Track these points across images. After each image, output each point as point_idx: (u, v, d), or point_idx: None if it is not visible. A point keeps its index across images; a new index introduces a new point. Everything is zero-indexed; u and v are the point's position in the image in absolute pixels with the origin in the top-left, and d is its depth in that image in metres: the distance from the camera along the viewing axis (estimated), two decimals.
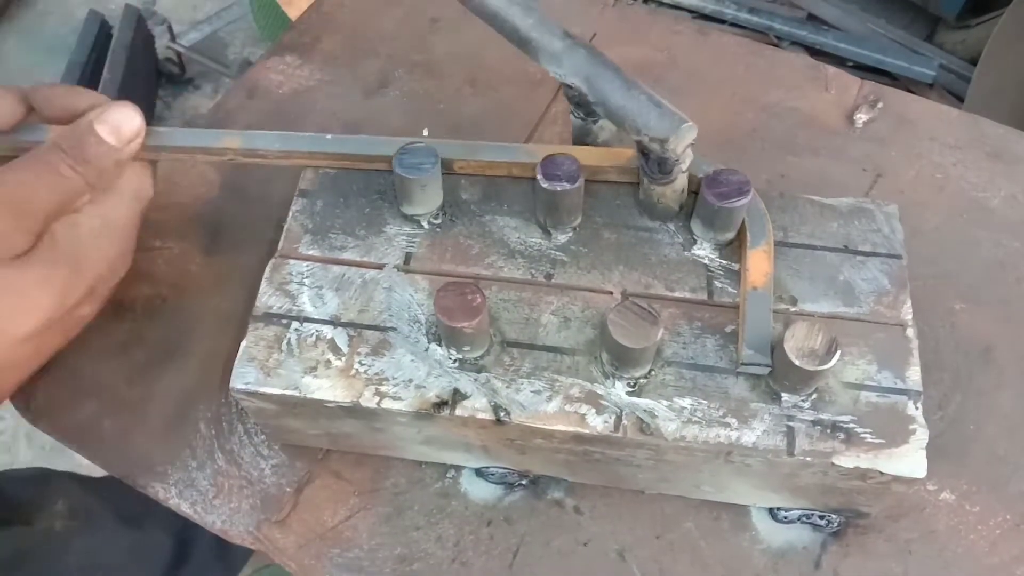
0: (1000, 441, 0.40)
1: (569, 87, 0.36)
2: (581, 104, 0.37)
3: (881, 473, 0.32)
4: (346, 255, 0.38)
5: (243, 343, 0.35)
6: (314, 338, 0.35)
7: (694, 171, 0.37)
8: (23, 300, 0.34)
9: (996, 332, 0.43)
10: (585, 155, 0.38)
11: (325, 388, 0.34)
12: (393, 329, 0.35)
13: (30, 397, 0.42)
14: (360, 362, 0.35)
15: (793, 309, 0.36)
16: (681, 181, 0.37)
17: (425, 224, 0.39)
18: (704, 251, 0.38)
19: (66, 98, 0.38)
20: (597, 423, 0.33)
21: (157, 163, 0.40)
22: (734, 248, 0.38)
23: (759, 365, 0.33)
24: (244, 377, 0.34)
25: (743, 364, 0.33)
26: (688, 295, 0.37)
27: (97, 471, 0.43)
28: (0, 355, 0.34)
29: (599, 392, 0.34)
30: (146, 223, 0.48)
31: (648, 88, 0.35)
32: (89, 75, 1.35)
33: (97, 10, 1.51)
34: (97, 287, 0.37)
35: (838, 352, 0.31)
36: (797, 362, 0.31)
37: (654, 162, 0.35)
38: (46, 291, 0.34)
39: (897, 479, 0.32)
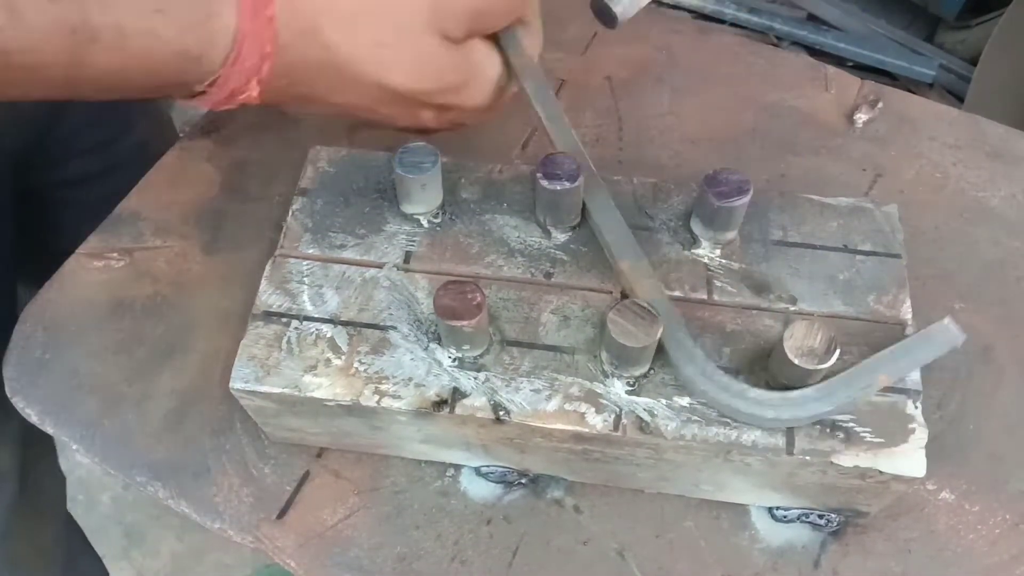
0: (999, 440, 0.40)
1: None
2: None
3: (880, 472, 0.32)
4: (346, 254, 0.38)
5: (243, 342, 0.35)
6: (314, 337, 0.35)
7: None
8: (421, 60, 0.36)
9: (996, 332, 0.43)
10: None
11: (325, 387, 0.34)
12: (393, 328, 0.35)
13: (30, 396, 0.42)
14: (360, 361, 0.35)
15: (793, 308, 0.36)
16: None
17: (425, 223, 0.39)
18: (704, 250, 0.38)
19: None
20: (596, 422, 0.33)
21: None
22: (734, 247, 0.38)
23: None
24: (244, 376, 0.34)
25: None
26: (688, 294, 0.37)
27: None
28: (359, 88, 0.36)
29: (598, 391, 0.34)
30: (146, 221, 0.48)
31: None
32: None
33: None
34: (452, 112, 0.39)
35: (837, 351, 0.31)
36: (796, 361, 0.31)
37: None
38: (439, 73, 0.37)
39: (896, 478, 0.33)
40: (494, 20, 0.39)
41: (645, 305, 0.32)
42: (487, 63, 0.39)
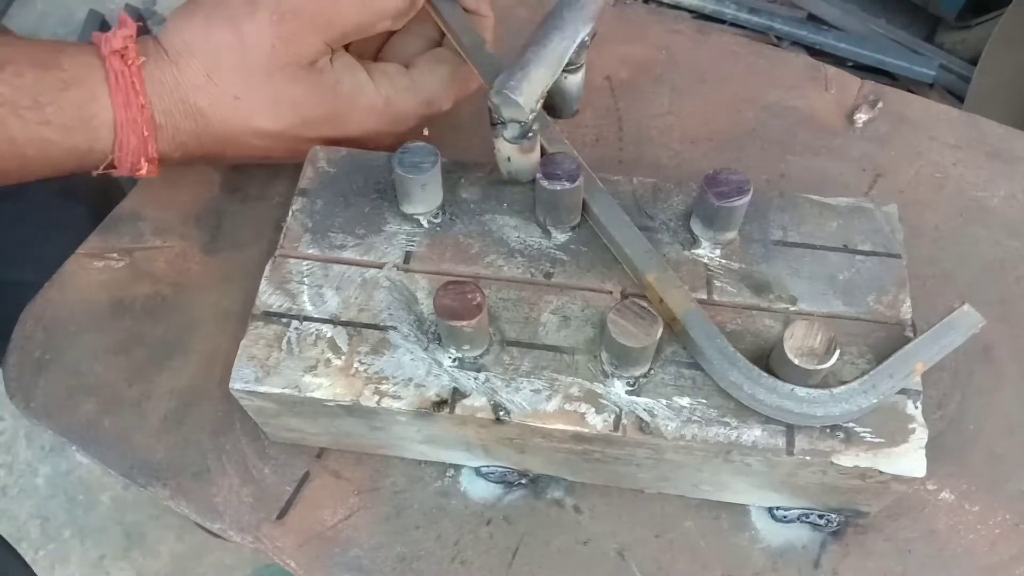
0: (999, 440, 0.40)
1: None
2: None
3: (880, 472, 0.32)
4: (346, 254, 0.38)
5: (243, 342, 0.35)
6: (314, 337, 0.35)
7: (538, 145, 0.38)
8: (278, 103, 0.38)
9: (996, 332, 0.43)
10: None
11: (325, 387, 0.34)
12: (393, 328, 0.35)
13: (30, 396, 0.42)
14: (360, 361, 0.35)
15: (792, 308, 0.36)
16: (504, 147, 0.37)
17: (425, 223, 0.39)
18: (704, 251, 0.38)
19: None
20: (596, 422, 0.33)
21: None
22: (734, 247, 0.38)
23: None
24: (244, 376, 0.34)
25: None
26: None
27: None
28: (238, 140, 0.39)
29: (599, 391, 0.34)
30: (146, 221, 0.48)
31: (551, 61, 0.35)
32: None
33: (97, 10, 1.51)
34: (342, 142, 0.40)
35: (837, 352, 0.31)
36: (796, 361, 0.31)
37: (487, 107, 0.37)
38: (295, 108, 0.39)
39: (896, 478, 0.33)
40: (359, 26, 0.38)
41: (645, 305, 0.32)
42: (353, 89, 0.40)
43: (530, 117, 0.36)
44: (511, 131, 0.36)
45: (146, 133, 0.37)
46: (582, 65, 0.38)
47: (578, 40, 0.36)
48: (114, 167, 0.39)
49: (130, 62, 0.37)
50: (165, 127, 0.38)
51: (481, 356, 0.34)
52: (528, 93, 0.35)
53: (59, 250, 0.46)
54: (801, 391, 0.32)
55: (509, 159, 0.38)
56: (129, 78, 0.36)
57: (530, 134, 0.37)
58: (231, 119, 0.38)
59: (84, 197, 0.61)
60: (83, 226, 0.49)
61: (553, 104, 0.40)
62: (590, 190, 0.37)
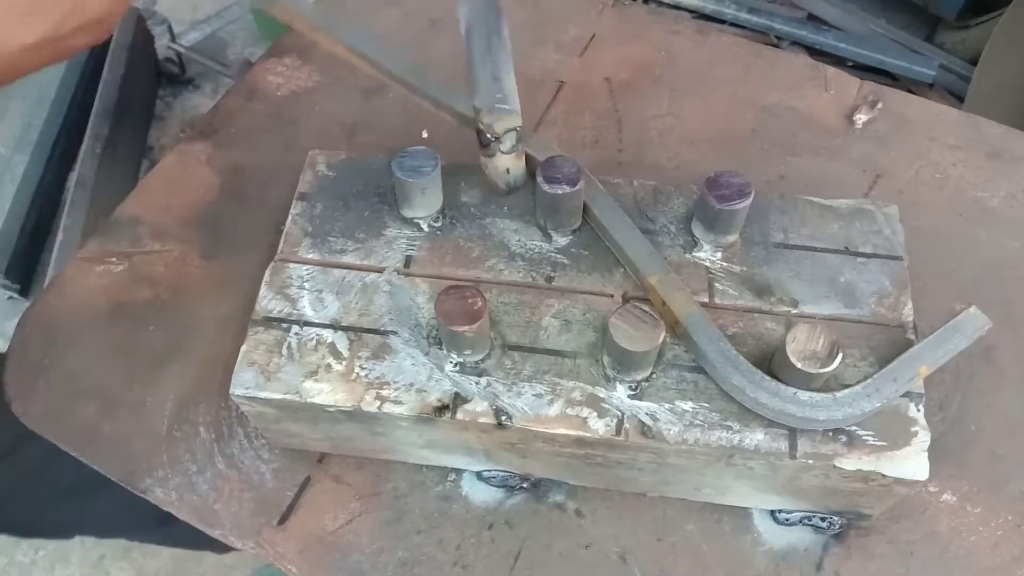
0: (1001, 442, 0.40)
1: None
2: None
3: (883, 475, 0.32)
4: (346, 258, 0.38)
5: (243, 347, 0.35)
6: (314, 342, 0.35)
7: (534, 154, 0.38)
8: (16, 17, 0.34)
9: (996, 332, 0.43)
10: None
11: (326, 392, 0.34)
12: (394, 333, 0.35)
13: (29, 401, 0.42)
14: (361, 366, 0.34)
15: (794, 311, 0.36)
16: (502, 161, 0.37)
17: (425, 227, 0.39)
18: (705, 253, 0.38)
19: None
20: (599, 427, 0.33)
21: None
22: (736, 250, 0.38)
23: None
24: (244, 382, 0.34)
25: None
26: None
27: None
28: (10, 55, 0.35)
29: (601, 395, 0.34)
30: (145, 225, 0.48)
31: (506, 61, 0.36)
32: (89, 75, 1.34)
33: None
34: (88, 23, 0.36)
35: (840, 355, 0.31)
36: (799, 365, 0.31)
37: (474, 129, 0.36)
38: (43, 17, 0.35)
39: (899, 481, 0.32)
40: None
41: (647, 309, 0.32)
42: None
43: (522, 121, 0.36)
44: (508, 142, 0.36)
45: None
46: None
47: (506, 32, 0.36)
48: None
49: None
50: None
51: (482, 361, 0.34)
52: (513, 98, 0.35)
53: None
54: (804, 395, 0.32)
55: (508, 171, 0.38)
56: None
57: (520, 138, 0.37)
58: None
59: None
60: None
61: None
62: (591, 192, 0.37)
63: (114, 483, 0.41)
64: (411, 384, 0.34)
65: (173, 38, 1.52)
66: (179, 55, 1.52)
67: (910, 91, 0.59)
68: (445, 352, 0.34)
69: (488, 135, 0.36)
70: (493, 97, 0.35)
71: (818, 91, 0.52)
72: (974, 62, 1.16)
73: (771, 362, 0.33)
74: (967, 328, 0.33)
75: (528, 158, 0.38)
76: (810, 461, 0.32)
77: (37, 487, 0.62)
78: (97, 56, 1.42)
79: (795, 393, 0.32)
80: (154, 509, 0.42)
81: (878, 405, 0.32)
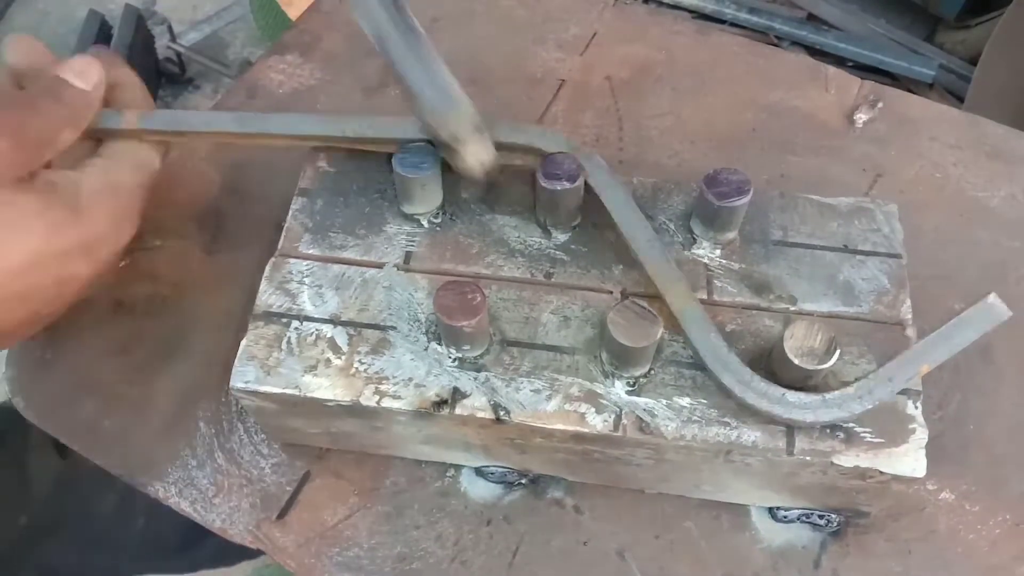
0: (1000, 441, 0.40)
1: None
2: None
3: (881, 472, 0.32)
4: (346, 254, 0.38)
5: (243, 342, 0.35)
6: (314, 337, 0.35)
7: (542, 147, 0.37)
8: (13, 225, 0.34)
9: (996, 332, 0.43)
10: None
11: (325, 387, 0.34)
12: (393, 328, 0.35)
13: (31, 396, 0.42)
14: (360, 361, 0.35)
15: (793, 308, 0.36)
16: (474, 155, 0.36)
17: (425, 223, 0.39)
18: (704, 250, 0.38)
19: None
20: (597, 422, 0.33)
21: (168, 145, 0.41)
22: (734, 247, 0.38)
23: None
24: (244, 376, 0.34)
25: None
26: None
27: None
28: None
29: (599, 391, 0.34)
30: (146, 221, 0.48)
31: (433, 56, 0.35)
32: None
33: (97, 10, 1.51)
34: (96, 246, 0.37)
35: (837, 351, 0.31)
36: (797, 361, 0.31)
37: (440, 144, 0.36)
38: (39, 220, 0.34)
39: (897, 478, 0.32)
40: (35, 131, 0.35)
41: (645, 305, 0.32)
42: (77, 177, 0.36)
43: (473, 106, 0.35)
44: (475, 135, 0.35)
45: None
46: None
47: (416, 23, 0.35)
48: None
49: None
50: None
51: (481, 356, 0.34)
52: (454, 88, 0.35)
53: None
54: (792, 396, 0.32)
55: (483, 162, 0.37)
56: None
57: (477, 125, 0.36)
58: None
59: None
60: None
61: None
62: (593, 171, 0.37)
63: (127, 529, 0.41)
64: (410, 379, 0.34)
65: (173, 38, 1.52)
66: (179, 55, 1.53)
67: (910, 91, 0.59)
68: (444, 347, 0.35)
69: (456, 140, 0.35)
70: (442, 100, 0.34)
71: (818, 91, 0.53)
72: (974, 62, 1.16)
73: (769, 359, 0.33)
74: (978, 321, 0.33)
75: (517, 148, 0.38)
76: (807, 458, 0.32)
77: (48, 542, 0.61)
78: None
79: (783, 394, 0.32)
80: (172, 535, 0.42)
81: (870, 407, 0.32)
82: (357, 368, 0.34)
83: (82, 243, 0.36)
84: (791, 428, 0.33)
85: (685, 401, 0.34)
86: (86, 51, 0.39)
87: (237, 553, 0.74)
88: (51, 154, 0.36)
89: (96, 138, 0.39)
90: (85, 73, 0.37)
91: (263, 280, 0.37)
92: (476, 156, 0.36)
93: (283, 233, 0.39)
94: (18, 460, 0.59)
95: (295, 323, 0.36)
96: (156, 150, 0.40)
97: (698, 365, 0.34)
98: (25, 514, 0.59)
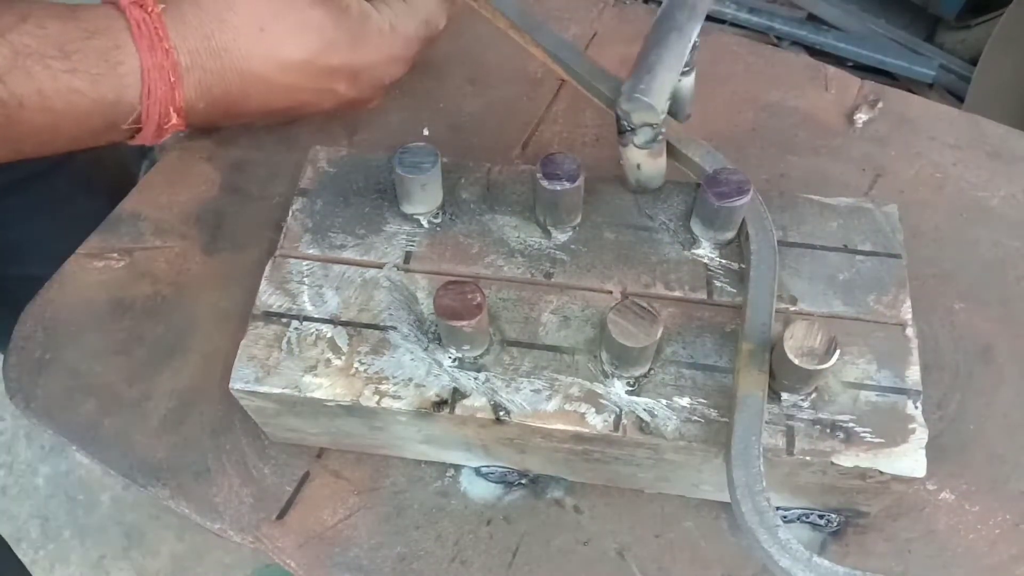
0: (999, 440, 0.40)
1: None
2: None
3: (880, 472, 0.32)
4: (346, 254, 0.38)
5: (243, 342, 0.35)
6: (314, 337, 0.35)
7: (701, 163, 0.37)
8: (299, 28, 0.39)
9: (996, 332, 0.43)
10: None
11: (325, 387, 0.34)
12: (393, 328, 0.35)
13: (31, 396, 0.42)
14: (360, 361, 0.35)
15: (793, 308, 0.36)
16: (634, 155, 0.37)
17: (425, 223, 0.39)
18: (704, 250, 0.38)
19: None
20: (597, 422, 0.33)
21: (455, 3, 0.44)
22: (734, 247, 0.38)
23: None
24: (244, 376, 0.34)
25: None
26: (688, 294, 0.37)
27: None
28: (262, 68, 0.39)
29: (599, 391, 0.34)
30: (146, 221, 0.48)
31: (673, 60, 0.35)
32: None
33: None
34: (360, 75, 0.41)
35: (837, 351, 0.31)
36: (796, 361, 0.31)
37: (614, 113, 0.36)
38: (319, 34, 0.39)
39: (896, 478, 0.32)
40: None
41: (645, 305, 0.32)
42: (361, 14, 0.40)
43: (661, 119, 0.35)
44: (642, 136, 0.36)
45: (172, 79, 0.37)
46: (694, 67, 0.38)
47: (693, 38, 0.36)
48: (140, 126, 0.38)
49: (150, 9, 0.37)
50: (191, 70, 0.38)
51: (481, 356, 0.34)
52: (658, 94, 0.34)
53: (77, 246, 0.46)
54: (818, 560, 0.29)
55: (639, 167, 0.37)
56: (151, 24, 0.37)
57: (659, 137, 0.36)
58: (256, 52, 0.39)
59: (104, 190, 0.61)
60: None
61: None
62: (752, 216, 0.36)
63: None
64: (410, 379, 0.34)
65: None
66: None
67: (910, 91, 0.59)
68: (444, 347, 0.35)
69: (624, 123, 0.35)
70: (638, 86, 0.34)
71: (818, 91, 0.53)
72: (974, 62, 1.16)
73: (769, 359, 0.33)
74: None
75: (683, 158, 0.38)
76: (807, 458, 0.32)
77: None
78: None
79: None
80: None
81: None
82: (357, 368, 0.34)
83: (349, 68, 0.41)
84: (791, 428, 0.33)
85: (685, 401, 0.34)
86: None
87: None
88: None
89: None
90: None
91: (263, 280, 0.37)
92: (638, 160, 0.37)
93: (283, 233, 0.39)
94: None
95: (295, 323, 0.36)
96: (444, 9, 0.43)
97: (698, 365, 0.34)
98: None
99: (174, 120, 0.39)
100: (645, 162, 0.37)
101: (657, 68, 0.34)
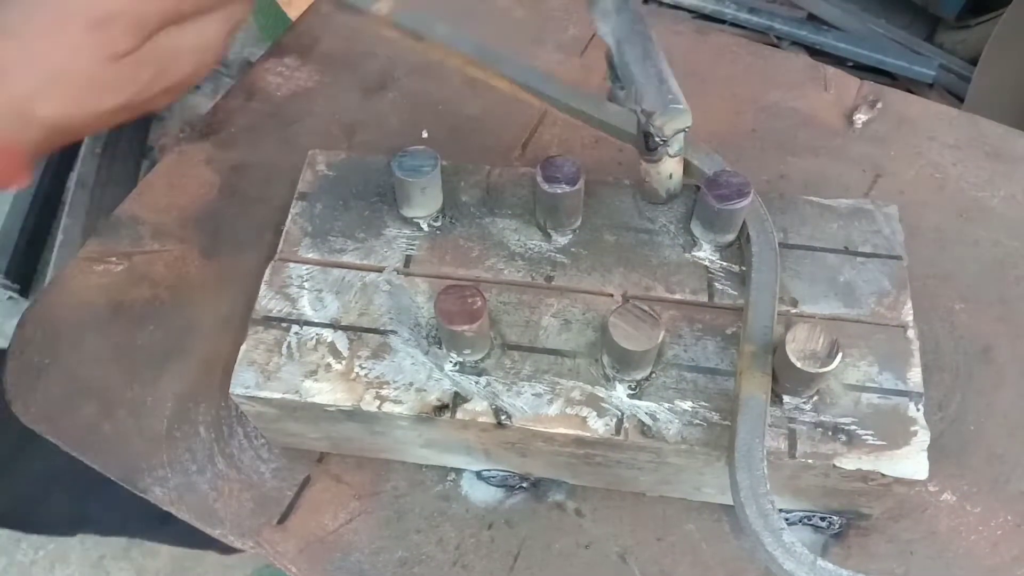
0: (1000, 441, 0.40)
1: (609, 49, 0.36)
2: (612, 66, 0.37)
3: (883, 475, 0.32)
4: (346, 258, 0.38)
5: (243, 347, 0.35)
6: (314, 341, 0.35)
7: (699, 165, 0.37)
8: (104, 90, 0.35)
9: (996, 332, 0.43)
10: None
11: (325, 392, 0.34)
12: (393, 332, 0.35)
13: (30, 401, 0.42)
14: (360, 365, 0.35)
15: (794, 311, 0.36)
16: (668, 166, 0.37)
17: (425, 227, 0.39)
18: (704, 253, 0.38)
19: None
20: (598, 426, 0.33)
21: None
22: (734, 250, 0.38)
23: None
24: (244, 381, 0.34)
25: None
26: (689, 297, 0.36)
27: None
28: (75, 120, 0.36)
29: (600, 395, 0.34)
30: (145, 225, 0.48)
31: (666, 66, 0.35)
32: None
33: None
34: (173, 87, 0.38)
35: (839, 354, 0.31)
36: (799, 364, 0.31)
37: (642, 135, 0.35)
38: (130, 86, 0.36)
39: (898, 481, 0.32)
40: (158, 12, 0.35)
41: (646, 308, 0.32)
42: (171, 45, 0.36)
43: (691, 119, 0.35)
44: (676, 144, 0.35)
45: None
46: None
47: (655, 37, 0.36)
48: None
49: None
50: None
51: (482, 360, 0.34)
52: (682, 97, 0.34)
53: None
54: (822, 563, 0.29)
55: (671, 176, 0.37)
56: None
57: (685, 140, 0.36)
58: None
59: None
60: None
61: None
62: (753, 220, 0.36)
63: (115, 481, 0.41)
64: (411, 383, 0.34)
65: None
66: None
67: (910, 91, 0.59)
68: (445, 351, 0.34)
69: (658, 138, 0.35)
70: (664, 98, 0.34)
71: (818, 91, 0.52)
72: (974, 62, 1.16)
73: (771, 361, 0.33)
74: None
75: (690, 167, 0.38)
76: (809, 461, 0.32)
77: (40, 485, 0.62)
78: None
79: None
80: (156, 507, 0.43)
81: None
82: (358, 373, 0.34)
83: (163, 90, 0.37)
84: (793, 431, 0.33)
85: (687, 404, 0.33)
86: None
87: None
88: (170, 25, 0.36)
89: None
90: None
91: (262, 284, 0.37)
92: (671, 169, 0.37)
93: (282, 237, 0.38)
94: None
95: (295, 328, 0.36)
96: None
97: (700, 368, 0.34)
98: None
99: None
100: (676, 169, 0.37)
101: (665, 75, 0.34)
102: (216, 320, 0.44)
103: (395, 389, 0.34)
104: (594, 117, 0.37)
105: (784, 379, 0.32)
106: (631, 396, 0.34)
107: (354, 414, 0.34)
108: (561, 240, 0.38)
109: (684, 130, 0.35)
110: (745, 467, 0.31)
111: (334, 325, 0.36)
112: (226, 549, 0.57)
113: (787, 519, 0.37)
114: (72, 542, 1.05)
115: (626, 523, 0.38)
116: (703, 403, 0.33)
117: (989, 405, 0.41)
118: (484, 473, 0.39)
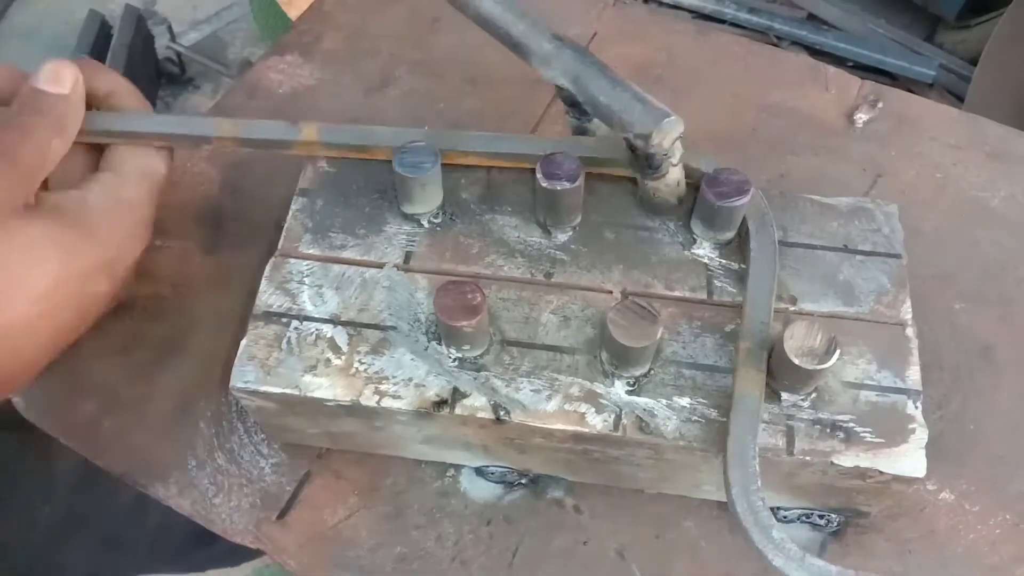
0: (1000, 441, 0.40)
1: (561, 88, 0.36)
2: (574, 104, 0.37)
3: (881, 472, 0.32)
4: (346, 254, 0.38)
5: (243, 342, 0.35)
6: (314, 337, 0.35)
7: (696, 166, 0.37)
8: (29, 253, 0.33)
9: (996, 332, 0.43)
10: (586, 148, 0.38)
11: (325, 387, 0.34)
12: (393, 328, 0.35)
13: (30, 396, 0.42)
14: (360, 361, 0.35)
15: (792, 308, 0.36)
16: (674, 175, 0.37)
17: (425, 223, 0.39)
18: (704, 250, 0.38)
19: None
20: (596, 422, 0.33)
21: (172, 149, 0.41)
22: (734, 247, 0.38)
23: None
24: (244, 376, 0.34)
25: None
26: (688, 294, 0.37)
27: None
28: (14, 315, 0.32)
29: (599, 391, 0.34)
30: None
31: (634, 85, 0.35)
32: None
33: (97, 10, 1.52)
34: (113, 263, 0.36)
35: (837, 351, 0.31)
36: (796, 361, 0.31)
37: (643, 158, 0.35)
38: (53, 247, 0.34)
39: (897, 478, 0.32)
40: (27, 156, 0.34)
41: (645, 305, 0.32)
42: (83, 196, 0.35)
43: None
44: (677, 152, 0.35)
45: None
46: None
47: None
48: None
49: None
50: None
51: (481, 356, 0.34)
52: (666, 106, 0.34)
53: None
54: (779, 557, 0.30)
55: (679, 183, 0.37)
56: None
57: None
58: None
59: None
60: None
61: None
62: (753, 213, 0.36)
63: (141, 528, 0.40)
64: (410, 379, 0.34)
65: (173, 38, 1.52)
66: (179, 55, 1.53)
67: (910, 91, 0.59)
68: (444, 347, 0.35)
69: (659, 155, 0.35)
70: (653, 115, 0.33)
71: (818, 91, 0.53)
72: (974, 62, 1.16)
73: (769, 359, 0.33)
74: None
75: (691, 170, 0.38)
76: (807, 458, 0.32)
77: (61, 542, 0.61)
78: (97, 56, 1.42)
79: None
80: (183, 534, 0.41)
81: None
82: (357, 368, 0.34)
83: (99, 262, 0.36)
84: (791, 428, 0.33)
85: (685, 401, 0.34)
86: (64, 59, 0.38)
87: (246, 553, 0.74)
88: (46, 170, 0.35)
89: (97, 147, 0.39)
90: (58, 77, 0.36)
91: (263, 280, 0.37)
92: (677, 176, 0.37)
93: (283, 233, 0.39)
94: (44, 452, 0.58)
95: (295, 323, 0.36)
96: (161, 156, 0.40)
97: (698, 365, 0.34)
98: (49, 506, 0.58)
99: None
100: (681, 174, 0.37)
101: (640, 93, 0.34)
102: (217, 316, 0.44)
103: (394, 384, 0.34)
104: (584, 157, 0.37)
105: (782, 376, 0.33)
106: (629, 392, 0.34)
107: (353, 409, 0.34)
108: (561, 237, 0.38)
109: (680, 136, 0.35)
110: (738, 464, 0.31)
111: (334, 320, 0.36)
112: (256, 553, 0.56)
113: (785, 517, 0.38)
114: None
115: (624, 520, 0.38)
116: (701, 400, 0.34)
117: (989, 405, 0.41)
118: (483, 469, 0.39)
